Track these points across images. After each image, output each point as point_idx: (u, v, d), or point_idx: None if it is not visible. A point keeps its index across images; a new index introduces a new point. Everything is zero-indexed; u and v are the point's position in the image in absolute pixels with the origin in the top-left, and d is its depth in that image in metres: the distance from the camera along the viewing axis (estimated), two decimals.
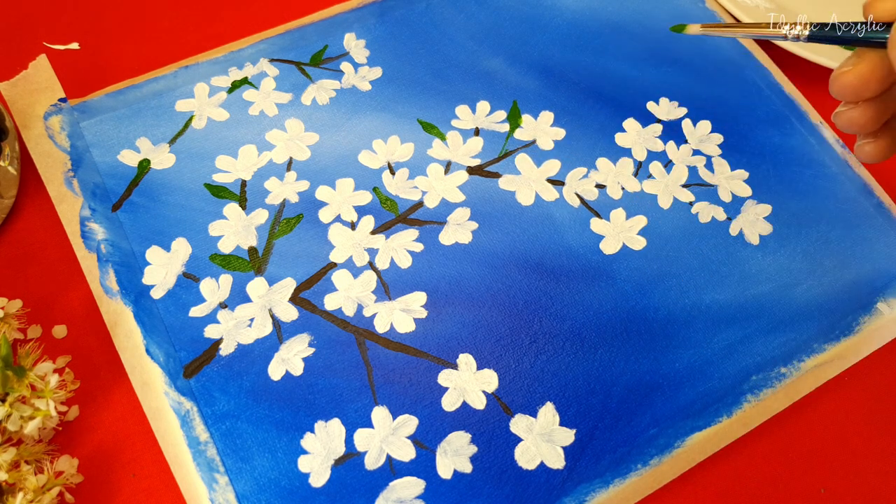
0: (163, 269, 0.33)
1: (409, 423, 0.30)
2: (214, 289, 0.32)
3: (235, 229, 0.34)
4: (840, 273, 0.36)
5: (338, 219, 0.35)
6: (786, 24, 0.25)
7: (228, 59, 0.39)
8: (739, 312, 0.35)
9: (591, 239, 0.36)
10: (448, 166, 0.37)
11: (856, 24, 0.23)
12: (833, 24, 0.24)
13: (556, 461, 0.30)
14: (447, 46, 0.41)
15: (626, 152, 0.39)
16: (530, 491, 0.30)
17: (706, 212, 0.37)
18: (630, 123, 0.40)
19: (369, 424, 0.30)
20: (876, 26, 0.23)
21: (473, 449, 0.30)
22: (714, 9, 0.45)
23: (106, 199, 0.34)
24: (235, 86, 0.38)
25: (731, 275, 0.36)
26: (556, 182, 0.37)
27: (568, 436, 0.31)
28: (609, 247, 0.36)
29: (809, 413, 0.34)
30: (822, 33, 0.25)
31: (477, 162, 0.37)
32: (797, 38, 0.25)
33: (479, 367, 0.32)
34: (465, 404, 0.31)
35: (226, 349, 0.31)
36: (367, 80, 0.39)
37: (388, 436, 0.30)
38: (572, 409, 0.31)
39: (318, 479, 0.29)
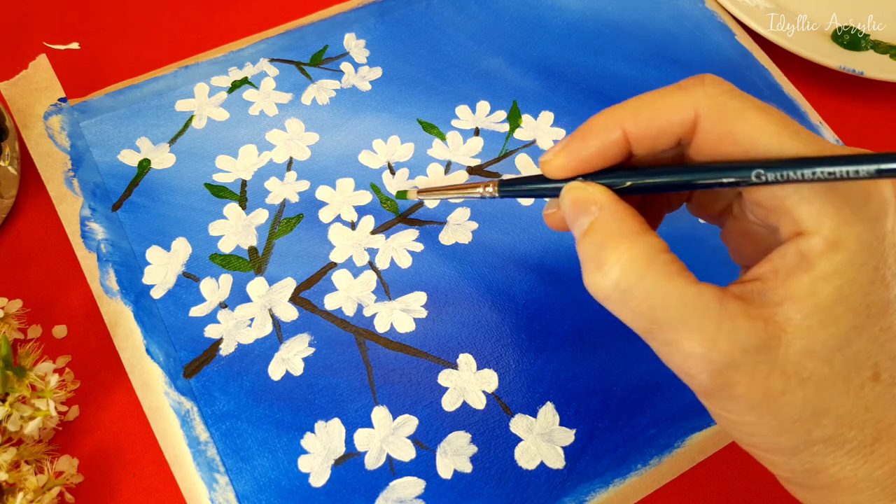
0: (163, 268, 0.33)
1: (409, 423, 0.30)
2: (214, 289, 0.32)
3: (235, 229, 0.34)
4: None
5: (338, 219, 0.35)
6: (479, 185, 0.27)
7: (228, 59, 0.39)
8: None
9: None
10: (448, 166, 0.37)
11: (539, 177, 0.24)
12: (519, 179, 0.26)
13: (556, 461, 0.30)
14: (447, 46, 0.41)
15: None
16: (530, 491, 0.30)
17: None
18: None
19: (369, 424, 0.30)
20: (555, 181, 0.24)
21: (473, 449, 0.30)
22: (714, 9, 0.45)
23: (106, 198, 0.34)
24: (235, 86, 0.38)
25: (732, 275, 0.36)
26: None
27: (568, 436, 0.31)
28: None
29: None
30: (512, 189, 0.26)
31: (477, 162, 0.37)
32: (492, 197, 0.27)
33: (479, 367, 0.32)
34: (465, 404, 0.31)
35: (226, 349, 0.31)
36: (367, 80, 0.39)
37: (388, 436, 0.30)
38: (572, 409, 0.31)
39: (319, 478, 0.29)
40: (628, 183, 0.22)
